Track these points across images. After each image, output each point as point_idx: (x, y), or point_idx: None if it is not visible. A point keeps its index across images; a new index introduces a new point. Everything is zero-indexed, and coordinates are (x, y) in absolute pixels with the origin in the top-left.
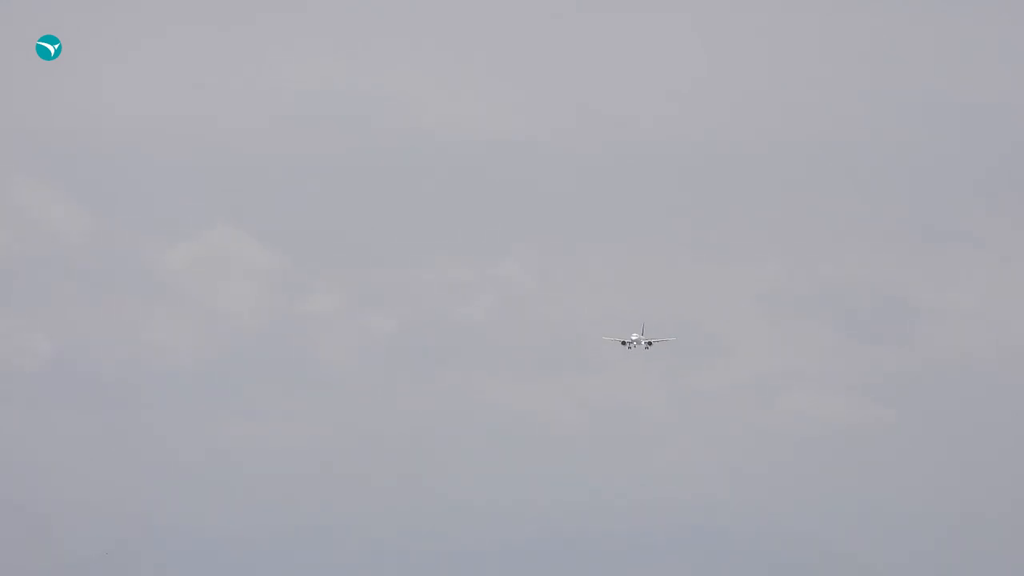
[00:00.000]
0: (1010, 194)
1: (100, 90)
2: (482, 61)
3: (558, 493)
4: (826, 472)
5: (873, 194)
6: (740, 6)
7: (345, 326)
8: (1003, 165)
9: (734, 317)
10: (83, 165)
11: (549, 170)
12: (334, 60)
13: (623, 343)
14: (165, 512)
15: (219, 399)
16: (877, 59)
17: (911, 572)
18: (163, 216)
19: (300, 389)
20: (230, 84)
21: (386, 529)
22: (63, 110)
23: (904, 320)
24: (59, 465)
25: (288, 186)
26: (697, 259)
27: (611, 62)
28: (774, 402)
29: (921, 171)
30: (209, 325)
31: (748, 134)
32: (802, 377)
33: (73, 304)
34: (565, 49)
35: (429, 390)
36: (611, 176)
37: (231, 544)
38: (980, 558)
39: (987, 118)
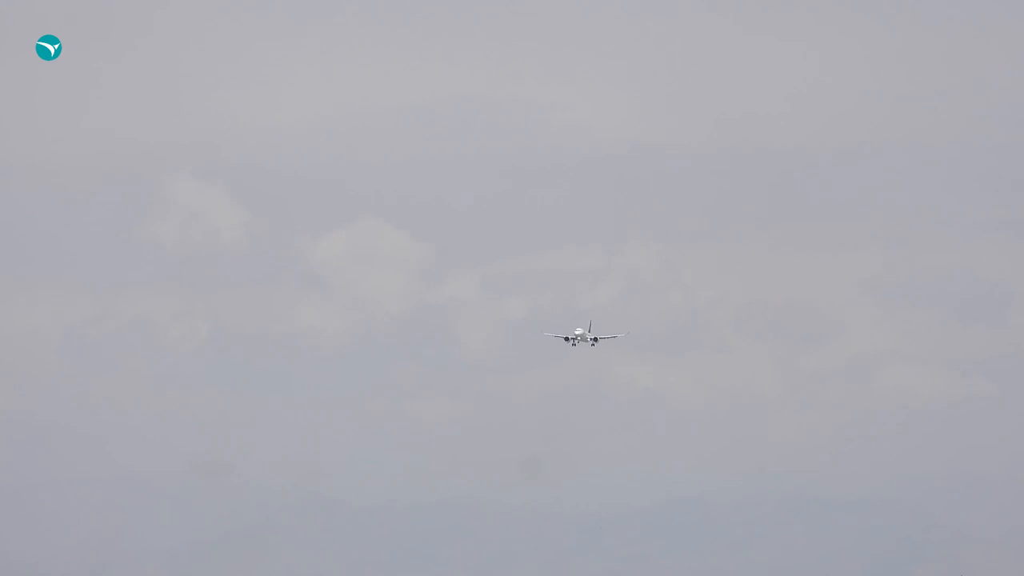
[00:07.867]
0: None
1: (247, 102)
2: (614, 71)
3: (678, 462)
4: (929, 446)
5: (969, 189)
6: (847, 25)
7: (482, 310)
8: None
9: (841, 302)
10: (240, 167)
11: (670, 170)
12: (476, 65)
13: (567, 339)
14: (321, 482)
15: (365, 378)
16: (970, 68)
17: (1012, 543)
18: (311, 211)
19: (441, 368)
20: (380, 86)
21: (522, 497)
22: (220, 122)
23: (1000, 303)
24: (223, 436)
25: (429, 181)
26: (806, 250)
27: (728, 75)
28: (879, 380)
29: (1013, 169)
30: (355, 310)
31: (855, 136)
32: (905, 356)
33: (231, 291)
34: (689, 62)
35: (560, 368)
36: (727, 175)
37: (374, 511)
38: None
39: None
